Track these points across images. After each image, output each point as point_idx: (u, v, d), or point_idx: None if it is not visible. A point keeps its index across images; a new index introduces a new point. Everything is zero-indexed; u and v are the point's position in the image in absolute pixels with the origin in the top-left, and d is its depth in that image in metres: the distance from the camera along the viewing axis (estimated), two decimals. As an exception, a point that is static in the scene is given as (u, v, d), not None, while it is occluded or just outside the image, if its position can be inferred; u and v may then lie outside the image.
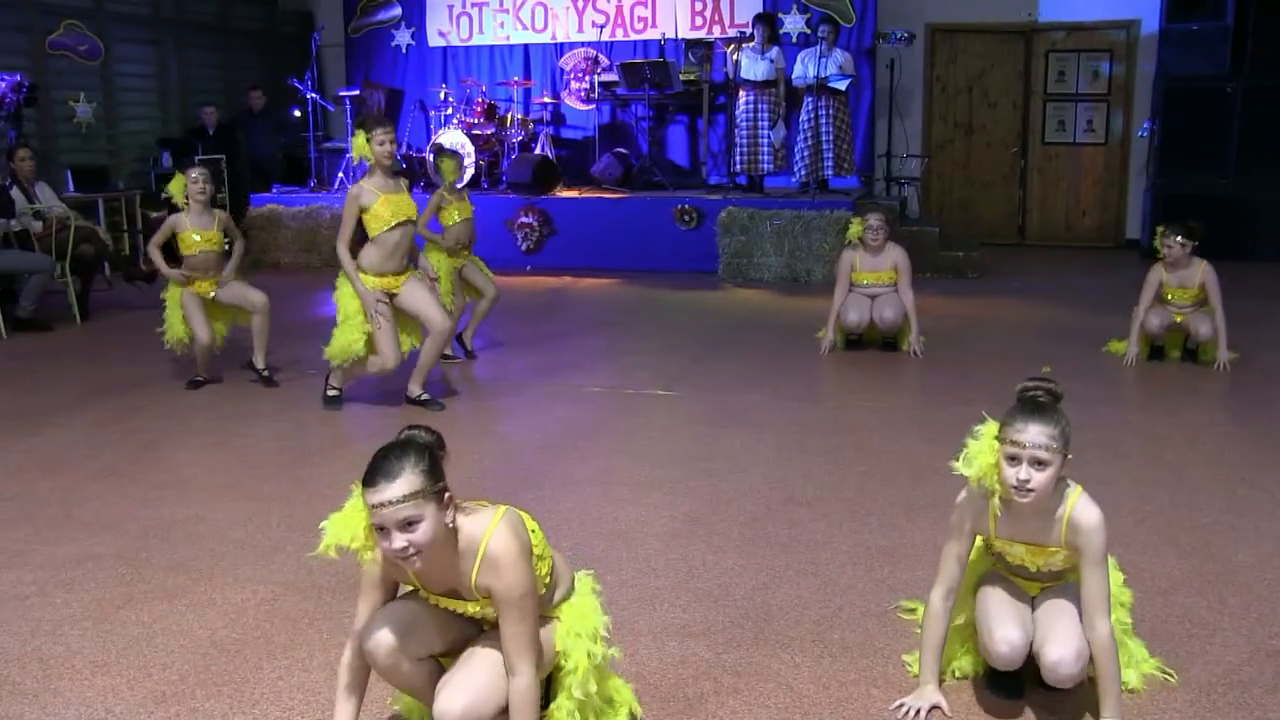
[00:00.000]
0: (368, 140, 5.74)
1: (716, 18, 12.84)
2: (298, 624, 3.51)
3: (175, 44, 13.23)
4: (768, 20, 11.37)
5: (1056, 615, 2.92)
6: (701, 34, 12.72)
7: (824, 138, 11.09)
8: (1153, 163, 12.20)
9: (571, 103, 13.30)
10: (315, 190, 12.56)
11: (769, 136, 11.11)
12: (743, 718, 2.95)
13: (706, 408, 6.11)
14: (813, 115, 11.07)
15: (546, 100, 12.92)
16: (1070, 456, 2.79)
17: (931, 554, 3.83)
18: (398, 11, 13.87)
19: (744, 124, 11.15)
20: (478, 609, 2.60)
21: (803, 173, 11.23)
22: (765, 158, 11.17)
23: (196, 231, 6.51)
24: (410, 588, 2.70)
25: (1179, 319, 6.98)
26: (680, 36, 12.68)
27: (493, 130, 12.23)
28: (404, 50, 13.95)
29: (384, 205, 5.76)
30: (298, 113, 13.06)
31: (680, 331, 8.34)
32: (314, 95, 12.57)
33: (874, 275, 7.41)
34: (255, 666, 3.24)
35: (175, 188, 6.54)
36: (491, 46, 13.62)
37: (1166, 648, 3.29)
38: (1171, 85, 11.86)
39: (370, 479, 2.41)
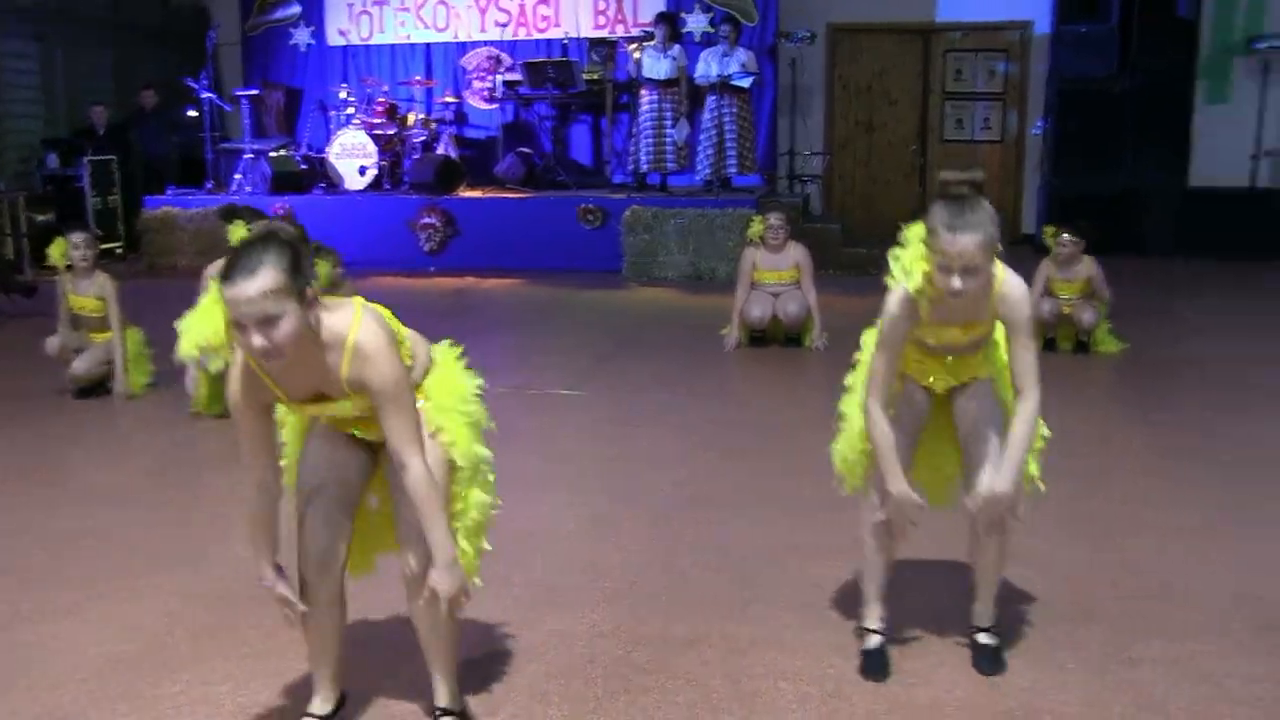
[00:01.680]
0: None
1: (619, 17, 12.86)
2: (199, 636, 3.42)
3: (62, 40, 12.81)
4: (670, 19, 11.42)
5: (985, 459, 3.05)
6: (604, 33, 12.73)
7: (727, 136, 11.16)
8: (1047, 160, 12.50)
9: (474, 102, 13.21)
10: (213, 192, 12.30)
11: (672, 135, 11.15)
12: (653, 716, 2.95)
13: (614, 406, 6.10)
14: (716, 114, 11.13)
15: (449, 100, 12.80)
16: (1000, 248, 2.86)
17: (841, 549, 3.88)
18: (296, 10, 13.64)
19: (647, 123, 11.18)
20: (349, 406, 2.56)
21: (706, 171, 11.30)
22: (669, 156, 11.21)
23: (79, 298, 6.31)
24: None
25: (1067, 310, 7.23)
26: (583, 35, 12.68)
27: (394, 130, 12.10)
28: (303, 49, 13.73)
29: None
30: (193, 112, 12.76)
31: (586, 331, 8.33)
32: (210, 95, 12.31)
33: (775, 274, 7.47)
34: (154, 683, 3.14)
35: (56, 252, 6.29)
36: (393, 45, 13.47)
37: (1065, 630, 3.37)
38: (1064, 85, 12.18)
39: (229, 274, 2.31)
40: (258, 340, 2.32)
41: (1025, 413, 2.96)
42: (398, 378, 2.50)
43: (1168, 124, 11.95)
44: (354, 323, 2.48)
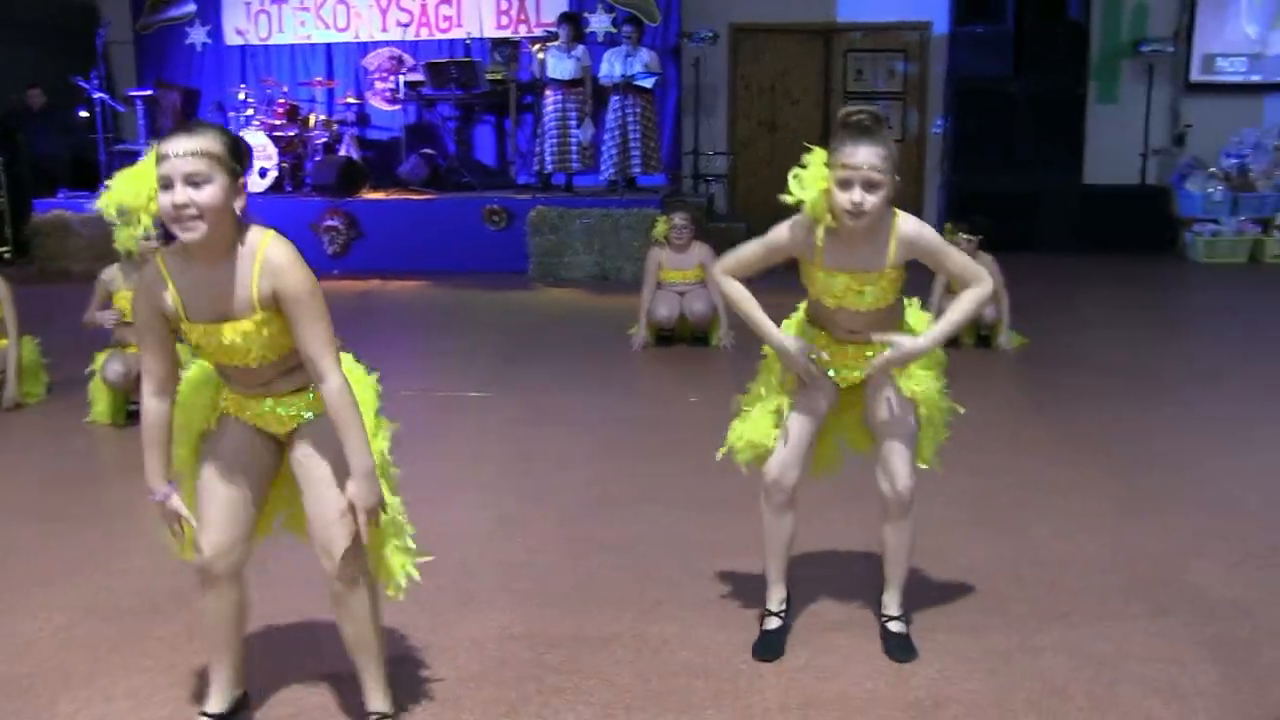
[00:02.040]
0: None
1: (522, 17, 12.81)
2: (97, 651, 3.32)
3: (-60, 36, 12.38)
4: (573, 19, 11.41)
5: (896, 445, 3.12)
6: (507, 33, 12.67)
7: (631, 136, 11.19)
8: (946, 159, 12.73)
9: (376, 103, 13.05)
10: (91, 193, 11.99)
11: (577, 135, 11.15)
12: (565, 717, 2.94)
13: (521, 408, 6.07)
14: (620, 114, 11.15)
15: (351, 101, 12.64)
16: (898, 179, 2.90)
17: (750, 546, 3.90)
18: (191, 8, 13.33)
19: (552, 123, 11.16)
20: (250, 327, 2.51)
21: (610, 171, 11.31)
22: (574, 157, 11.21)
23: None
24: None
25: None
26: (486, 36, 12.60)
27: (295, 132, 11.90)
28: (199, 49, 13.42)
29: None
30: (84, 113, 12.41)
31: (493, 332, 8.28)
32: (102, 95, 11.99)
33: (681, 274, 7.51)
34: (50, 702, 3.03)
35: None
36: (292, 46, 13.24)
37: (969, 620, 3.44)
38: (961, 85, 12.43)
39: (168, 135, 2.41)
40: (181, 196, 2.36)
41: (972, 293, 3.02)
42: (311, 287, 2.51)
43: (1062, 124, 12.24)
44: (265, 237, 2.52)
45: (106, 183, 2.52)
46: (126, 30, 13.49)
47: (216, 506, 2.64)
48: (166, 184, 2.37)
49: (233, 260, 2.49)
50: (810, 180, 2.94)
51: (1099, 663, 3.18)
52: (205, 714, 2.82)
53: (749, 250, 3.17)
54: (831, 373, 3.19)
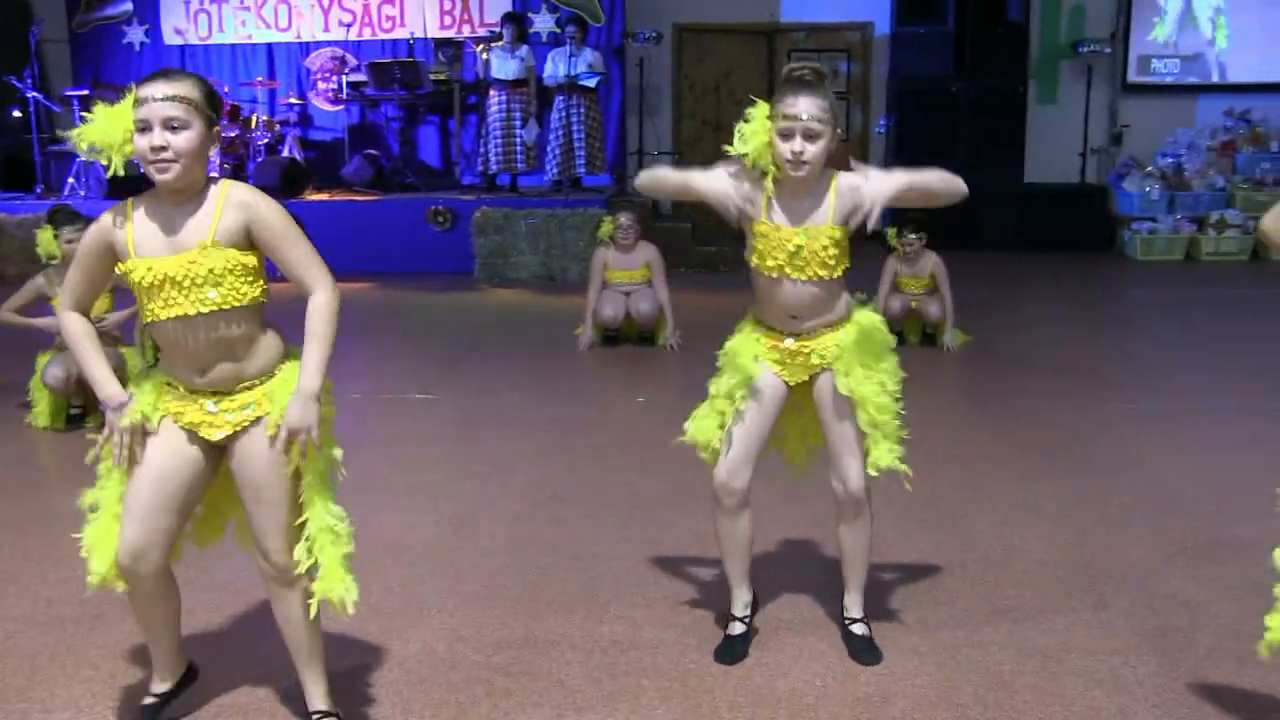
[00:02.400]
0: (55, 237, 5.44)
1: (465, 17, 12.75)
2: (36, 661, 3.26)
3: None
4: (517, 19, 11.39)
5: (844, 445, 3.13)
6: (451, 33, 12.62)
7: (575, 136, 11.18)
8: (889, 158, 12.83)
9: (319, 103, 12.94)
10: (43, 196, 11.76)
11: (521, 136, 11.12)
12: (516, 718, 2.93)
13: (468, 409, 6.05)
14: (564, 114, 11.15)
15: (293, 101, 12.51)
16: (839, 132, 2.94)
17: (698, 545, 3.92)
18: (127, 7, 13.11)
19: (496, 124, 11.13)
20: (197, 254, 2.50)
21: (555, 171, 11.30)
22: (518, 157, 11.18)
23: None
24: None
25: (914, 305, 7.47)
26: (429, 36, 12.53)
27: (237, 133, 11.76)
28: (137, 48, 13.21)
29: None
30: (17, 113, 12.18)
31: (439, 334, 8.23)
32: (36, 95, 11.77)
33: (627, 273, 7.51)
34: (-13, 710, 3.00)
35: None
36: (233, 45, 13.08)
37: (917, 616, 3.47)
38: (903, 85, 12.55)
39: (149, 79, 2.46)
40: (159, 139, 2.41)
41: (937, 171, 3.04)
42: (284, 214, 2.59)
43: (1003, 123, 12.38)
44: (227, 183, 2.57)
45: (84, 116, 2.54)
46: (62, 28, 13.24)
47: (137, 511, 2.61)
48: (145, 127, 2.42)
49: (198, 203, 2.53)
50: (752, 133, 2.96)
51: (1044, 655, 3.22)
52: (153, 695, 2.84)
53: (687, 172, 3.17)
54: (779, 370, 3.18)
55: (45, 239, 5.50)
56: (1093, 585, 3.70)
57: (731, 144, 3.03)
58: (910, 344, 7.48)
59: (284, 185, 11.18)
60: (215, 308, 2.54)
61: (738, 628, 3.29)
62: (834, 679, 3.11)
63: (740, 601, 3.32)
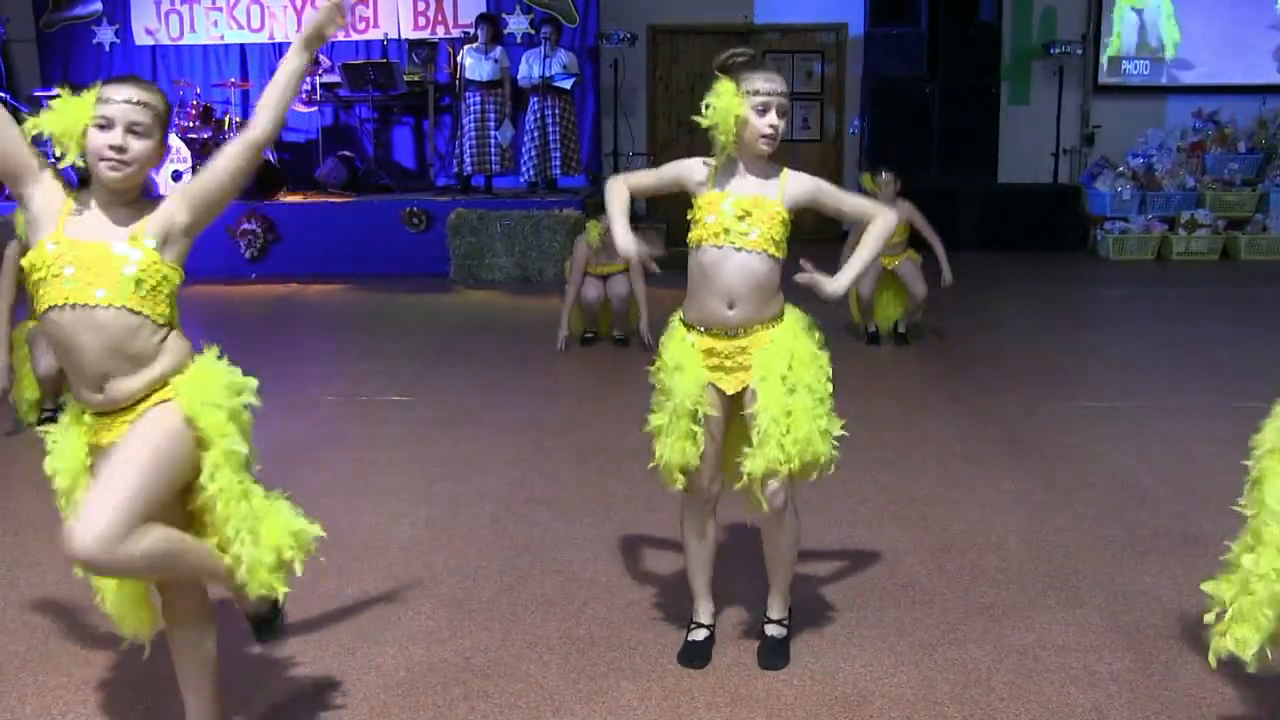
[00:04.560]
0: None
1: (440, 18, 12.71)
2: (6, 668, 3.23)
3: None
4: (491, 20, 11.38)
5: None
6: (425, 34, 12.57)
7: (550, 137, 11.18)
8: (864, 158, 12.88)
9: (292, 105, 12.85)
10: (12, 197, 11.67)
11: (496, 137, 11.11)
12: (493, 721, 2.93)
13: (443, 411, 6.03)
14: (539, 115, 11.14)
15: (266, 102, 12.43)
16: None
17: (675, 545, 3.92)
18: (97, 6, 12.99)
19: (470, 125, 11.11)
20: (124, 251, 2.43)
21: (530, 172, 11.29)
22: (493, 158, 11.17)
23: None
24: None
25: (889, 265, 7.32)
26: (403, 37, 12.49)
27: (209, 134, 11.67)
28: (107, 49, 13.10)
29: None
30: (-15, 114, 12.07)
31: (414, 336, 8.21)
32: (3, 95, 11.67)
33: (608, 267, 7.49)
34: (-41, 717, 2.97)
35: None
36: (205, 46, 12.98)
37: (893, 615, 3.49)
38: (877, 86, 12.60)
39: (116, 81, 2.49)
40: (119, 139, 2.41)
41: (876, 228, 3.11)
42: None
43: (976, 124, 12.45)
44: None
45: (49, 102, 2.55)
46: (29, 28, 13.11)
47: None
48: (107, 125, 2.43)
49: (131, 207, 2.52)
50: (725, 108, 3.00)
51: (1020, 653, 3.25)
52: None
53: (645, 172, 3.34)
54: (717, 379, 3.12)
55: (21, 221, 5.38)
56: (1067, 582, 3.73)
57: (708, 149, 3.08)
58: (883, 333, 7.50)
59: (258, 187, 11.12)
60: (112, 304, 2.41)
61: (700, 634, 3.30)
62: (812, 679, 3.12)
63: (705, 610, 3.33)
